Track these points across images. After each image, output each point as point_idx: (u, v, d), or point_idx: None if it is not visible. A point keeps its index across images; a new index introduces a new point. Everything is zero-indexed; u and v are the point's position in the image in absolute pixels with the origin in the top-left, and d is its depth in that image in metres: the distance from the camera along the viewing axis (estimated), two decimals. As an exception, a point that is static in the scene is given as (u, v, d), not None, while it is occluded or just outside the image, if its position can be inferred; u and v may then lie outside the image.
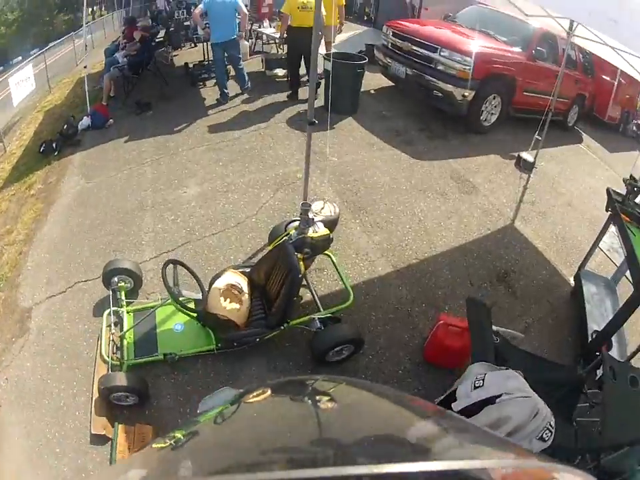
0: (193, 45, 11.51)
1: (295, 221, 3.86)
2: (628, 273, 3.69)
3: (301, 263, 3.16)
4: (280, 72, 8.74)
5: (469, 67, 6.48)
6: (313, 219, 3.45)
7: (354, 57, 7.15)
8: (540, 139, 6.09)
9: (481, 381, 2.34)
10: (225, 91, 7.39)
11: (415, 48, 7.09)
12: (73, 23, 35.34)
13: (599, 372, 2.85)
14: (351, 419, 1.06)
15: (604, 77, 10.73)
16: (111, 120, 6.99)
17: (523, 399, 2.20)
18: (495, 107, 7.23)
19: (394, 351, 3.53)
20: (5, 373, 3.22)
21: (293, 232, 3.44)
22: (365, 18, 15.99)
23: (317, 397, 1.25)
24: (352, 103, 7.15)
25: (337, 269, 3.83)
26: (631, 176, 7.62)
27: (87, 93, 7.20)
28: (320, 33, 6.82)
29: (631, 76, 4.98)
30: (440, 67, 6.75)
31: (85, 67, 7.55)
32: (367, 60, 7.21)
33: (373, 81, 8.30)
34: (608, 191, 4.04)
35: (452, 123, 7.10)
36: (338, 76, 5.94)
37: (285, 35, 7.30)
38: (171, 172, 5.48)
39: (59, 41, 15.51)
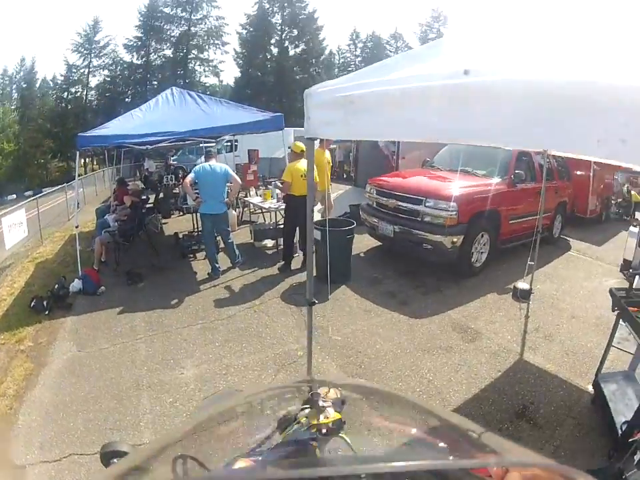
0: (181, 213, 11.91)
1: (304, 408, 3.74)
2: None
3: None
4: (269, 243, 9.05)
5: (454, 212, 6.70)
6: (323, 405, 3.35)
7: (341, 223, 7.28)
8: (533, 263, 6.22)
9: None
10: (216, 265, 7.51)
11: (400, 204, 7.33)
12: (66, 171, 37.70)
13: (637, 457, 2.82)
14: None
15: (578, 172, 11.00)
16: (102, 287, 7.11)
17: None
18: (484, 245, 7.39)
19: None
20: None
21: (303, 420, 3.33)
22: (345, 176, 16.65)
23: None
24: (344, 270, 7.17)
25: (352, 451, 3.66)
26: (624, 260, 7.82)
27: (79, 252, 7.44)
28: (315, 200, 7.14)
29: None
30: (427, 219, 6.95)
31: (77, 227, 7.81)
32: (355, 224, 7.26)
33: (362, 242, 8.57)
34: (611, 291, 4.09)
35: (443, 274, 7.27)
36: (328, 244, 5.86)
37: (284, 204, 7.62)
38: (166, 351, 5.45)
39: (52, 190, 16.22)
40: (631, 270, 7.41)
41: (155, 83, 44.00)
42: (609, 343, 4.22)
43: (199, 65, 47.64)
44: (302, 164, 7.08)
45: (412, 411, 1.37)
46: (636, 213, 12.93)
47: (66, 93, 43.63)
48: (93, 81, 44.42)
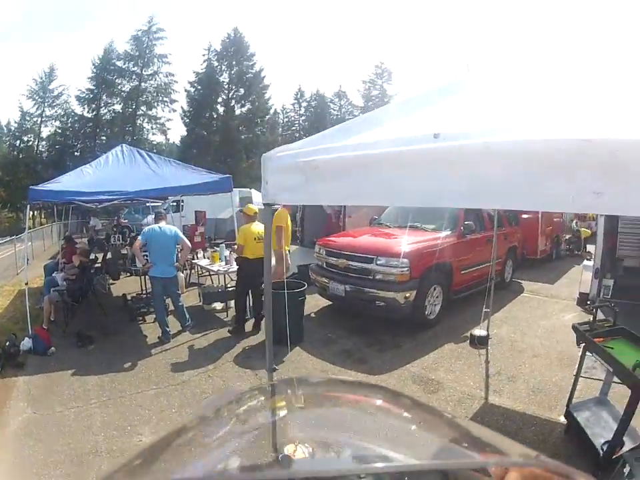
0: (129, 274, 11.69)
1: (274, 472, 3.65)
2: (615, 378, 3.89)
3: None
4: (218, 305, 8.90)
5: (406, 268, 6.74)
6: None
7: (292, 284, 7.01)
8: (488, 310, 6.29)
9: None
10: (167, 329, 7.27)
11: (351, 263, 7.32)
12: (15, 222, 36.51)
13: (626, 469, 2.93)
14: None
15: (526, 216, 11.30)
16: (52, 348, 6.90)
17: None
18: (437, 297, 7.43)
19: None
20: None
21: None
22: (290, 235, 16.70)
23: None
24: (297, 332, 6.80)
25: None
26: (580, 294, 8.07)
27: (28, 309, 7.28)
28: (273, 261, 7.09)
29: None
30: (378, 276, 6.96)
31: (26, 284, 7.68)
32: (306, 285, 7.10)
33: (312, 302, 8.41)
34: (574, 327, 4.22)
35: (398, 328, 7.25)
36: (280, 307, 5.78)
37: (237, 266, 7.56)
38: (122, 417, 5.20)
39: (2, 241, 16.02)
40: (589, 302, 7.75)
41: (104, 138, 43.23)
42: (577, 374, 4.34)
43: (147, 122, 47.06)
44: (255, 226, 7.10)
45: (395, 405, 1.37)
46: (587, 246, 13.52)
47: (18, 141, 42.66)
48: (45, 132, 43.57)
